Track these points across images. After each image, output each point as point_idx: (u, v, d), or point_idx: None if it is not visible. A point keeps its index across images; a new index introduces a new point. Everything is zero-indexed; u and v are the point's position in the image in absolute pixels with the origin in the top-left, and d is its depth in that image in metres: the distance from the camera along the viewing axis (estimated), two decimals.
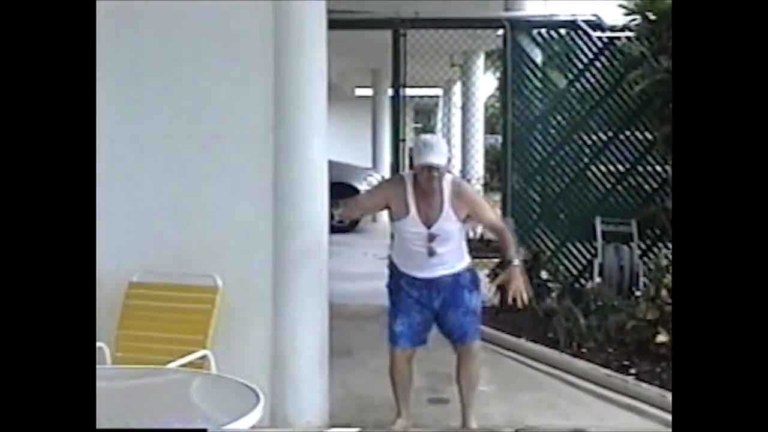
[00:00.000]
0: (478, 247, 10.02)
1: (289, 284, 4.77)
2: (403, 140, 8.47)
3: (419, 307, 4.79)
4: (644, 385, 5.45)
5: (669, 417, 5.00)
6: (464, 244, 4.88)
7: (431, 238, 4.64)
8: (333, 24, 5.05)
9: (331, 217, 5.05)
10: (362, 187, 15.61)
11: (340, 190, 14.93)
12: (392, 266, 4.94)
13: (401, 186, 4.72)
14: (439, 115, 23.59)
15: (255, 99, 4.76)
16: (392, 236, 5.16)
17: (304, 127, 4.77)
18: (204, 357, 4.21)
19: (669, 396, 5.19)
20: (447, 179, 4.64)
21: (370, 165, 18.06)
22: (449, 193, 4.62)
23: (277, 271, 4.77)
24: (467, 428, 4.92)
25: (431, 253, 4.66)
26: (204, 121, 4.75)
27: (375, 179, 15.94)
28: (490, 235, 6.16)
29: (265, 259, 4.75)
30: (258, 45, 4.70)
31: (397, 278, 4.88)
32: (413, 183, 4.65)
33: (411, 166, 4.66)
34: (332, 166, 13.70)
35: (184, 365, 4.03)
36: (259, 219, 4.77)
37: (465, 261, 4.85)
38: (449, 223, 4.65)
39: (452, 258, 4.76)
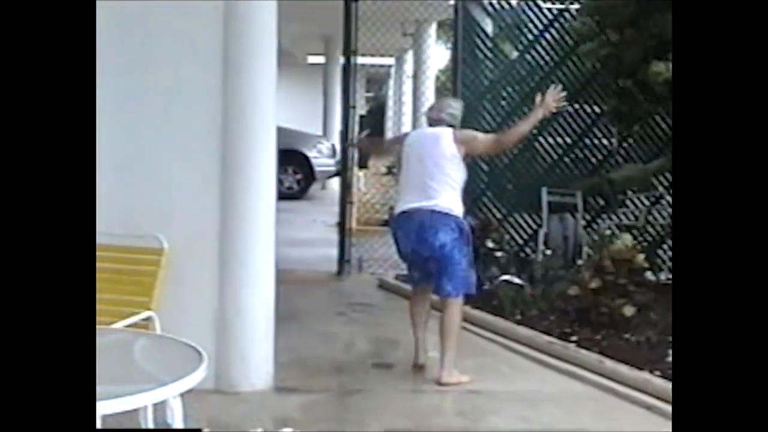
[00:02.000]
0: None
1: (236, 248, 4.78)
2: (353, 107, 8.46)
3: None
4: (584, 351, 5.55)
5: (606, 382, 5.12)
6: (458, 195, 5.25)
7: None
8: None
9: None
10: (312, 154, 15.60)
11: (290, 156, 15.02)
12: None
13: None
14: (391, 84, 23.53)
15: (204, 61, 4.73)
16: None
17: (253, 91, 4.75)
18: (149, 318, 4.20)
19: (607, 362, 5.30)
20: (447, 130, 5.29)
21: (320, 132, 17.99)
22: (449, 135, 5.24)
23: (223, 234, 4.76)
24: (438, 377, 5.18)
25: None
26: (151, 82, 4.72)
27: (325, 146, 15.92)
28: None
29: (211, 222, 4.74)
30: (208, 6, 4.67)
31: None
32: None
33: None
34: (283, 132, 13.65)
35: (128, 326, 4.02)
36: (207, 182, 4.76)
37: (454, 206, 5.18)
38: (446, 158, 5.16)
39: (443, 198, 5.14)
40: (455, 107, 5.57)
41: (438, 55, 15.53)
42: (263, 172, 4.84)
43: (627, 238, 6.15)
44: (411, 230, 5.16)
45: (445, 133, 5.30)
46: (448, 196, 5.18)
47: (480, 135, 5.56)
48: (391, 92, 23.93)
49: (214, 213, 4.74)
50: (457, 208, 5.19)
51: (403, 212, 5.22)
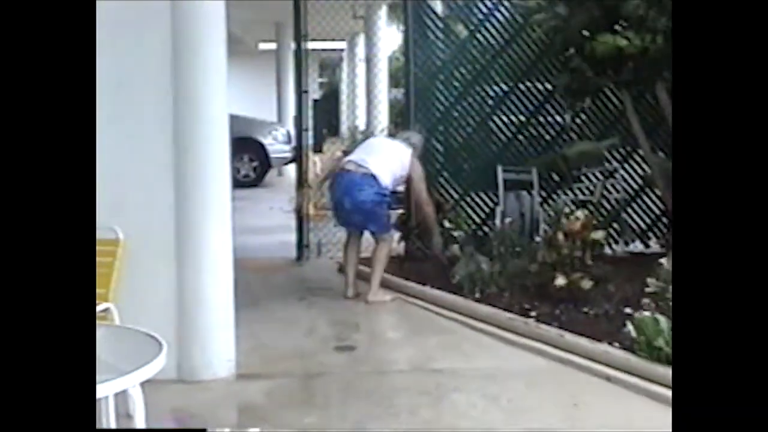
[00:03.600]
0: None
1: (192, 237, 4.78)
2: (306, 92, 8.45)
3: None
4: (544, 326, 5.62)
5: (567, 356, 5.20)
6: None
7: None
8: None
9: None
10: (267, 141, 15.54)
11: (245, 144, 14.96)
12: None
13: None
14: (344, 69, 23.49)
15: (152, 50, 4.70)
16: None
17: (204, 79, 4.75)
18: (107, 310, 4.18)
19: (567, 336, 5.38)
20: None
21: (275, 119, 17.94)
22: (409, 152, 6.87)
23: (179, 223, 4.76)
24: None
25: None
26: (101, 70, 4.65)
27: (280, 133, 15.87)
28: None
29: (166, 211, 4.74)
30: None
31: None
32: None
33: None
34: (237, 120, 13.61)
35: None
36: (160, 171, 4.74)
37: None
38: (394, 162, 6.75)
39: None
40: (418, 139, 7.19)
41: (390, 37, 15.52)
42: (217, 159, 4.84)
43: (581, 214, 6.21)
44: (344, 185, 6.61)
45: (406, 148, 6.91)
46: (381, 171, 6.59)
47: (423, 183, 7.03)
48: (344, 76, 23.89)
49: (168, 202, 4.73)
50: (385, 180, 6.58)
51: (341, 170, 6.68)
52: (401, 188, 7.27)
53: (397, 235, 7.55)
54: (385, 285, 6.85)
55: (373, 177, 6.56)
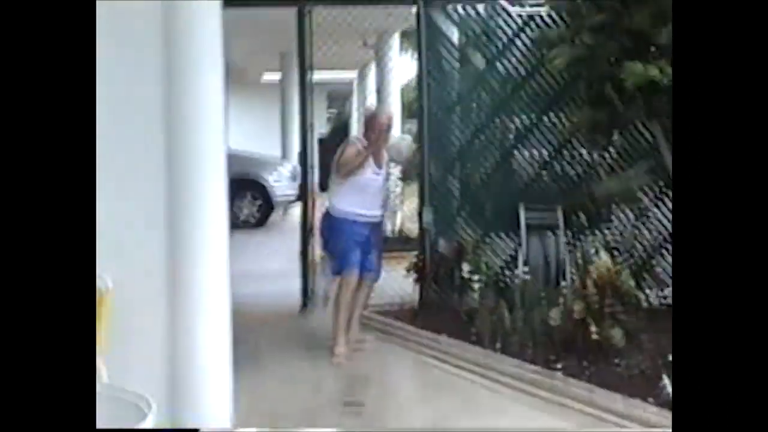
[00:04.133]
0: (395, 242, 10.13)
1: (186, 285, 4.73)
2: (312, 126, 8.46)
3: (361, 242, 6.61)
4: (571, 380, 5.56)
5: (597, 413, 5.12)
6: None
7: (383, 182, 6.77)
8: (231, 0, 5.02)
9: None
10: (270, 179, 15.57)
11: (247, 183, 14.99)
12: (338, 211, 6.69)
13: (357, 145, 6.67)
14: (355, 100, 23.57)
15: (143, 78, 4.70)
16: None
17: (199, 113, 4.73)
18: None
19: (597, 391, 5.30)
20: None
21: (279, 155, 18.00)
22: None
23: (171, 271, 4.71)
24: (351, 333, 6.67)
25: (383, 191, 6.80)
26: None
27: (285, 170, 15.91)
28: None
29: (158, 258, 4.69)
30: (144, 26, 4.65)
31: (344, 221, 6.64)
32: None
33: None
34: (238, 157, 13.56)
35: None
36: (151, 215, 4.71)
37: None
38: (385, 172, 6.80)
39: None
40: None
41: (403, 67, 15.59)
42: (213, 200, 4.81)
43: (607, 259, 6.17)
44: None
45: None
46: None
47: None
48: (354, 109, 23.98)
49: (160, 248, 4.69)
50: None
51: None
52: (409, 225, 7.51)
53: (411, 279, 7.53)
54: (395, 335, 6.81)
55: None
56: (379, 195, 6.75)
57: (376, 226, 6.80)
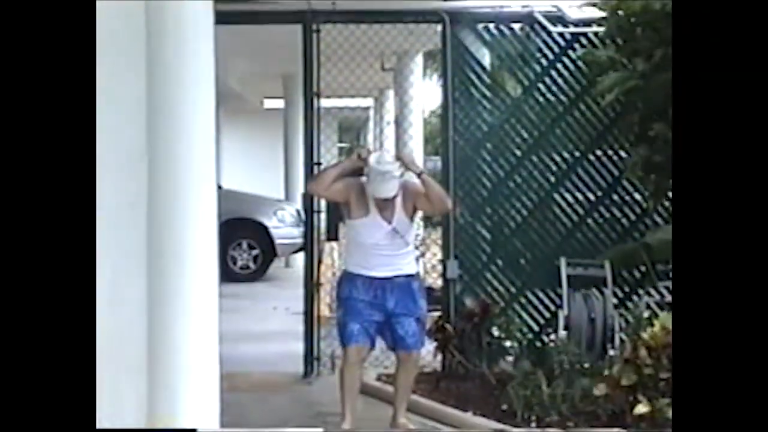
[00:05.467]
0: None
1: (166, 348, 4.73)
2: (318, 164, 8.48)
3: (371, 309, 6.34)
4: None
5: None
6: (414, 249, 6.76)
7: (395, 233, 6.29)
8: (226, 17, 5.08)
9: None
10: (271, 223, 15.60)
11: (244, 227, 15.05)
12: (345, 274, 6.57)
13: (360, 186, 6.33)
14: (370, 131, 23.67)
15: (124, 116, 4.73)
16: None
17: (185, 144, 4.77)
18: None
19: None
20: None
21: (282, 195, 18.04)
22: (400, 192, 6.26)
23: (151, 331, 4.72)
24: (397, 422, 6.48)
25: (397, 248, 6.34)
26: None
27: (288, 213, 15.94)
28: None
29: (136, 315, 4.70)
30: (126, 46, 4.70)
31: (349, 283, 6.44)
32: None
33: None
34: (234, 197, 13.64)
35: None
36: (130, 266, 4.72)
37: (415, 266, 6.70)
38: (404, 219, 6.33)
39: (407, 259, 6.50)
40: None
41: (426, 94, 15.69)
42: (201, 248, 4.83)
43: (665, 319, 6.14)
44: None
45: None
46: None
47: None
48: (370, 140, 24.07)
49: (139, 304, 4.70)
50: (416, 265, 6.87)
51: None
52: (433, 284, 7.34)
53: (431, 346, 7.52)
54: (413, 411, 6.78)
55: (411, 277, 6.56)
56: (390, 250, 6.35)
57: (402, 288, 6.40)
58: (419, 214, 6.66)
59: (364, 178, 6.34)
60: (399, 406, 6.51)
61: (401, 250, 6.41)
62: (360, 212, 6.34)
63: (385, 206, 6.30)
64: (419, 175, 6.34)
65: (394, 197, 6.26)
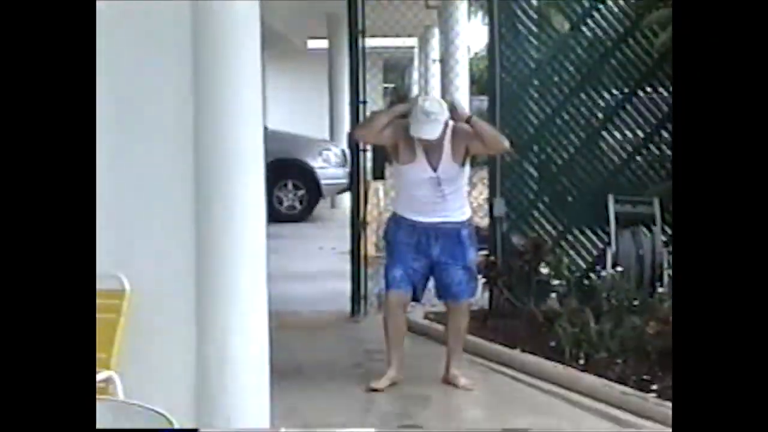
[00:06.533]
0: None
1: (217, 289, 4.77)
2: (364, 102, 8.46)
3: (416, 254, 6.24)
4: (668, 404, 5.50)
5: None
6: (466, 193, 6.55)
7: (439, 181, 6.12)
8: None
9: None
10: (316, 163, 15.63)
11: (289, 167, 15.08)
12: (392, 215, 6.51)
13: (408, 130, 6.11)
14: (415, 71, 23.59)
15: (168, 57, 4.74)
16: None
17: (232, 88, 4.76)
18: (108, 380, 4.21)
19: None
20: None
21: (327, 136, 18.05)
22: (448, 137, 6.11)
23: (201, 272, 4.76)
24: (449, 375, 6.35)
25: (441, 195, 6.15)
26: (107, 92, 4.71)
27: (333, 153, 15.95)
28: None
29: (186, 257, 4.74)
30: None
31: (395, 227, 6.38)
32: None
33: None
34: (279, 137, 13.68)
35: None
36: (178, 207, 4.76)
37: (467, 212, 6.44)
38: (451, 166, 6.16)
39: (455, 205, 6.29)
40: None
41: (472, 32, 15.58)
42: (249, 190, 4.84)
43: None
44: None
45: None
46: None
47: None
48: (415, 81, 23.99)
49: (188, 245, 4.74)
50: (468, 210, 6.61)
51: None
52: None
53: (480, 283, 7.51)
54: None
55: (459, 225, 6.35)
56: (436, 196, 6.17)
57: (449, 235, 6.26)
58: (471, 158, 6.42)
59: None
60: (452, 358, 6.40)
61: (449, 196, 6.22)
62: (407, 157, 6.20)
63: (432, 150, 6.13)
64: (468, 121, 6.18)
65: (441, 140, 6.09)
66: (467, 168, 6.34)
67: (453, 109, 6.25)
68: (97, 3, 2.99)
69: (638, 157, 8.26)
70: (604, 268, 7.59)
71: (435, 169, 6.12)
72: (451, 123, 6.11)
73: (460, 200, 6.35)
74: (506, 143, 6.55)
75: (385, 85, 27.91)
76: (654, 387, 5.82)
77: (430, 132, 6.02)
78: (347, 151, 12.98)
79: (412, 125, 6.06)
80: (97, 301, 4.38)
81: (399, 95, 26.07)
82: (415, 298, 6.49)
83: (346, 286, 8.57)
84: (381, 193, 10.33)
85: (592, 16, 8.27)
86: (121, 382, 4.26)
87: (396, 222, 6.39)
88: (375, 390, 6.17)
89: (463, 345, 6.58)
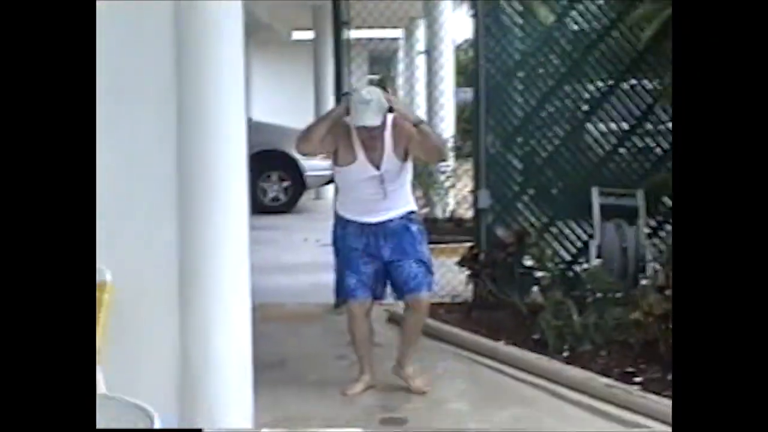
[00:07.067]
0: (446, 229, 10.14)
1: (200, 278, 4.78)
2: (347, 94, 8.44)
3: (367, 257, 6.01)
4: (652, 396, 5.53)
5: None
6: (410, 188, 6.19)
7: (382, 179, 5.87)
8: None
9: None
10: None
11: (274, 158, 15.05)
12: (337, 218, 6.16)
13: (346, 131, 5.88)
14: (400, 63, 23.57)
15: (150, 45, 4.73)
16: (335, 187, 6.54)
17: (214, 78, 4.76)
18: None
19: None
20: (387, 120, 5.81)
21: None
22: (389, 130, 5.84)
23: (184, 263, 4.76)
24: (405, 371, 6.18)
25: (384, 193, 5.89)
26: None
27: None
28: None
29: (167, 247, 4.75)
30: None
31: (342, 231, 6.11)
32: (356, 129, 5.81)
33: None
34: (263, 128, 13.64)
35: None
36: (161, 198, 4.76)
37: (411, 204, 6.15)
38: (393, 162, 5.89)
39: (399, 202, 6.03)
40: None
41: (457, 24, 15.53)
42: (232, 182, 4.85)
43: None
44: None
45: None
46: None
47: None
48: (400, 72, 23.97)
49: (169, 235, 4.74)
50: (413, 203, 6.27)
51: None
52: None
53: (463, 275, 7.53)
54: (445, 340, 6.81)
55: (407, 220, 6.06)
56: (380, 195, 5.89)
57: (396, 232, 5.98)
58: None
59: (349, 118, 5.86)
60: (406, 354, 6.20)
61: (393, 194, 5.94)
62: (347, 158, 5.90)
63: (372, 149, 5.83)
64: (417, 126, 5.86)
65: (381, 135, 5.79)
66: (410, 163, 6.02)
67: (402, 110, 5.97)
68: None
69: (622, 150, 8.26)
70: (587, 260, 7.61)
71: (378, 167, 5.84)
72: (390, 116, 5.80)
73: (404, 197, 6.06)
74: (445, 153, 6.75)
75: (371, 76, 27.88)
76: (638, 379, 5.83)
77: (371, 118, 5.69)
78: None
79: (353, 117, 5.75)
80: None
81: (383, 85, 26.08)
82: (377, 297, 6.20)
83: (330, 278, 8.52)
84: None
85: (576, 9, 8.27)
86: (103, 374, 4.23)
87: (342, 226, 6.09)
88: (348, 395, 6.03)
89: (447, 337, 6.60)
